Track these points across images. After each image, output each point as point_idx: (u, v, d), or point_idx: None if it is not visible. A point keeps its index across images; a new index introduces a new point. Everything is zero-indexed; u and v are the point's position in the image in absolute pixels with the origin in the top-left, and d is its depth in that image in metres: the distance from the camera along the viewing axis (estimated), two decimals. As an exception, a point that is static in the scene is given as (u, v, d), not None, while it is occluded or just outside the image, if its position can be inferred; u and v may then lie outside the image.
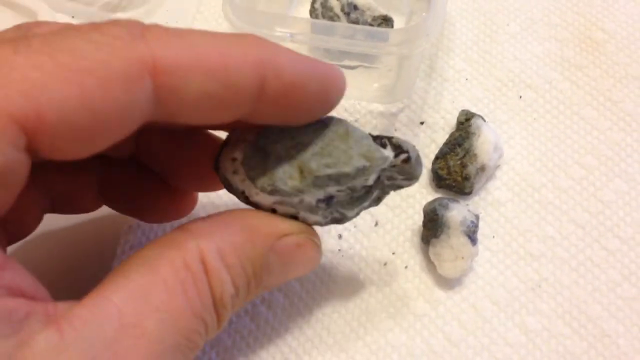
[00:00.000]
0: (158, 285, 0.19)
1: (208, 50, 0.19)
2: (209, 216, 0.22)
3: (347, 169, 0.23)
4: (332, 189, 0.23)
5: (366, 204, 0.25)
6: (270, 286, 0.24)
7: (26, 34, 0.20)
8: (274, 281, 0.24)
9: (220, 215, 0.22)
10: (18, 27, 0.21)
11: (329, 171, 0.23)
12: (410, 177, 0.25)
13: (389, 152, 0.24)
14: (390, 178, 0.25)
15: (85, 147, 0.19)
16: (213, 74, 0.19)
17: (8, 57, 0.17)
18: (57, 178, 0.26)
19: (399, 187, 0.25)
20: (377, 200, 0.25)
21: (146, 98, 0.19)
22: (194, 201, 0.30)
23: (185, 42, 0.19)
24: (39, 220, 0.26)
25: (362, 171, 0.23)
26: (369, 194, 0.24)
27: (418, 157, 0.25)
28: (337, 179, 0.23)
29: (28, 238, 0.26)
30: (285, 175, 0.23)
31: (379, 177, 0.24)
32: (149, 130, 0.27)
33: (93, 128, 0.18)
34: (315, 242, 0.24)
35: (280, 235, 0.23)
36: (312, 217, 0.23)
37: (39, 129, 0.17)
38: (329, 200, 0.23)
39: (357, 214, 0.25)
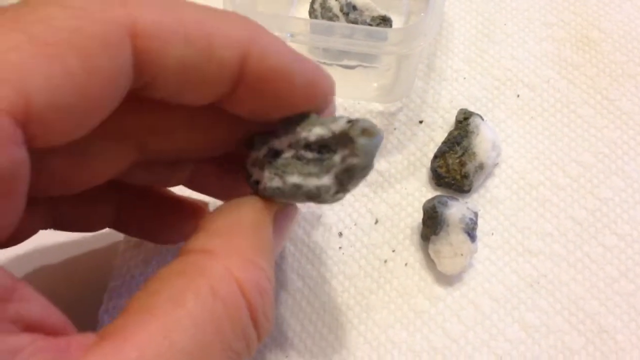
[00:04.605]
0: (182, 318, 0.17)
1: (191, 18, 0.19)
2: (216, 227, 0.21)
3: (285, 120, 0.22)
4: (275, 142, 0.22)
5: (325, 178, 0.21)
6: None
7: None
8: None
9: (225, 224, 0.21)
10: None
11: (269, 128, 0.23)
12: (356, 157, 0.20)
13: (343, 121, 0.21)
14: (343, 159, 0.21)
15: (77, 126, 0.18)
16: (194, 43, 0.18)
17: None
18: (69, 208, 0.25)
19: (350, 169, 0.21)
20: (340, 186, 0.21)
21: (128, 63, 0.18)
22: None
23: (166, 7, 0.18)
24: (31, 235, 0.25)
25: (298, 120, 0.22)
26: (319, 162, 0.21)
27: (367, 132, 0.20)
28: (276, 132, 0.22)
29: (24, 252, 0.25)
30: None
31: (332, 150, 0.21)
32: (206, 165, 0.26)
33: (81, 103, 0.17)
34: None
35: (271, 213, 0.22)
36: (272, 183, 0.22)
37: (30, 117, 0.16)
38: (275, 154, 0.22)
39: (318, 190, 0.21)
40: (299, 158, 0.22)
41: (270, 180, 0.22)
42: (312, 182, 0.21)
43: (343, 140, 0.21)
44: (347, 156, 0.21)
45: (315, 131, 0.21)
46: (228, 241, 0.20)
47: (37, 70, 0.16)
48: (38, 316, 0.17)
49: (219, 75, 0.19)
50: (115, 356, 0.16)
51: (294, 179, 0.21)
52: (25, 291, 0.17)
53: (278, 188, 0.22)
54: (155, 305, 0.18)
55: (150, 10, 0.18)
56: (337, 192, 0.21)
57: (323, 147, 0.21)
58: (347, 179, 0.21)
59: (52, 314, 0.18)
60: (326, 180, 0.21)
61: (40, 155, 0.18)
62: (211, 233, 0.20)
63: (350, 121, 0.21)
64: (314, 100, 0.22)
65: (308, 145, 0.22)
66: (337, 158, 0.21)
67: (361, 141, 0.20)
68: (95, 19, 0.17)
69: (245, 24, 0.20)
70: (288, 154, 0.22)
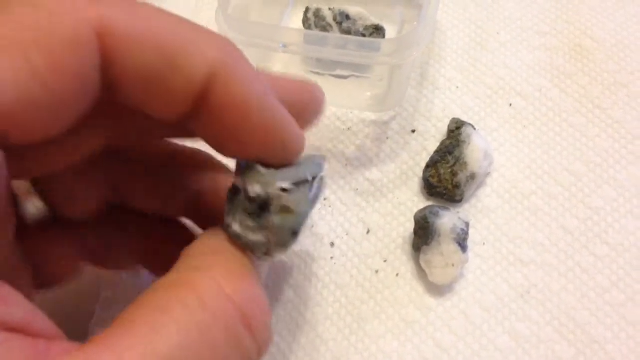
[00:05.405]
0: (167, 328, 0.17)
1: (164, 27, 0.18)
2: (200, 250, 0.21)
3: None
4: (237, 179, 0.22)
5: (259, 235, 0.20)
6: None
7: None
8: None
9: (209, 246, 0.21)
10: None
11: None
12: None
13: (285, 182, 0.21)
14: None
15: (49, 123, 0.18)
16: (162, 51, 0.18)
17: None
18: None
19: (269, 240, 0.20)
20: (267, 249, 0.21)
21: (95, 61, 0.18)
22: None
23: (140, 13, 0.18)
24: (72, 272, 0.25)
25: (249, 168, 0.21)
26: (257, 217, 0.21)
27: (285, 210, 0.20)
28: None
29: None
30: None
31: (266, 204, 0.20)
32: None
33: (49, 100, 0.17)
34: None
35: None
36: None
37: None
38: (235, 191, 0.21)
39: (253, 245, 0.21)
40: (245, 207, 0.21)
41: (227, 216, 0.21)
42: (249, 236, 0.20)
43: None
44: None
45: (254, 188, 0.20)
46: (214, 259, 0.20)
47: (3, 67, 0.16)
48: (20, 320, 0.17)
49: (184, 91, 0.19)
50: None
51: (236, 227, 0.21)
52: (6, 293, 0.17)
53: (228, 226, 0.21)
54: (140, 315, 0.18)
55: (122, 12, 0.18)
56: (265, 254, 0.20)
57: (264, 202, 0.20)
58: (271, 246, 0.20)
59: (37, 319, 0.18)
60: (260, 237, 0.20)
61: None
62: (196, 255, 0.20)
63: (284, 189, 0.20)
64: (268, 146, 0.21)
65: (252, 198, 0.21)
66: (269, 221, 0.20)
67: (276, 220, 0.19)
68: (64, 19, 0.17)
69: (222, 46, 0.20)
70: (242, 196, 0.21)
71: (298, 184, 0.20)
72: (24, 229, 0.24)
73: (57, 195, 0.24)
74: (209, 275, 0.19)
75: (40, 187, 0.24)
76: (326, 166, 0.23)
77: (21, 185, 0.23)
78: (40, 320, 0.18)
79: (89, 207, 0.25)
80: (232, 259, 0.20)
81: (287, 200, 0.20)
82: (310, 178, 0.21)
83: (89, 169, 0.24)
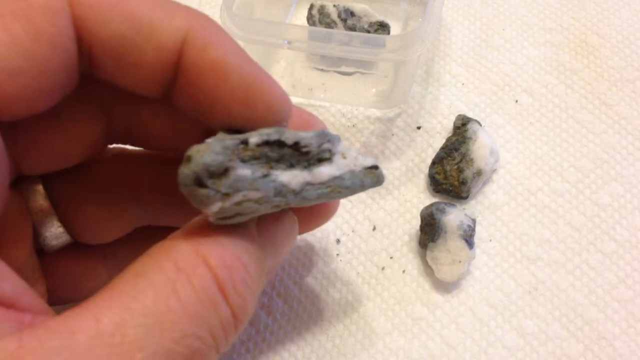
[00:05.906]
0: (143, 289, 0.18)
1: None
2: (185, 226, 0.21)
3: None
4: None
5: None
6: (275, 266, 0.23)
7: None
8: (276, 260, 0.23)
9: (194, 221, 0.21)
10: None
11: None
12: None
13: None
14: None
15: (31, 95, 0.18)
16: (132, 20, 0.18)
17: None
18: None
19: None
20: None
21: (69, 29, 0.18)
22: None
23: None
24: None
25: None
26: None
27: (187, 159, 0.19)
28: None
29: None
30: None
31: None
32: None
33: (31, 67, 0.17)
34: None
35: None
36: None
37: None
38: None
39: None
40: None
41: None
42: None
43: None
44: None
45: None
46: (196, 228, 0.20)
47: None
48: (10, 295, 0.17)
49: (157, 60, 0.19)
50: (70, 323, 0.16)
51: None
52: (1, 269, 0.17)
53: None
54: (120, 281, 0.18)
55: None
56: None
57: None
58: None
59: (27, 295, 0.18)
60: None
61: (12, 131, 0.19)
62: (185, 227, 0.20)
63: (207, 142, 0.19)
64: (251, 108, 0.20)
65: None
66: None
67: (180, 168, 0.19)
68: None
69: (193, 14, 0.20)
70: None
71: (231, 142, 0.19)
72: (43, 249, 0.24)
73: (81, 226, 0.24)
74: (187, 241, 0.19)
75: (64, 218, 0.24)
76: (334, 134, 0.22)
77: (41, 212, 0.23)
78: (30, 297, 0.18)
79: (116, 235, 0.25)
80: (215, 228, 0.20)
81: (191, 149, 0.19)
82: (255, 140, 0.19)
83: (115, 201, 0.25)
